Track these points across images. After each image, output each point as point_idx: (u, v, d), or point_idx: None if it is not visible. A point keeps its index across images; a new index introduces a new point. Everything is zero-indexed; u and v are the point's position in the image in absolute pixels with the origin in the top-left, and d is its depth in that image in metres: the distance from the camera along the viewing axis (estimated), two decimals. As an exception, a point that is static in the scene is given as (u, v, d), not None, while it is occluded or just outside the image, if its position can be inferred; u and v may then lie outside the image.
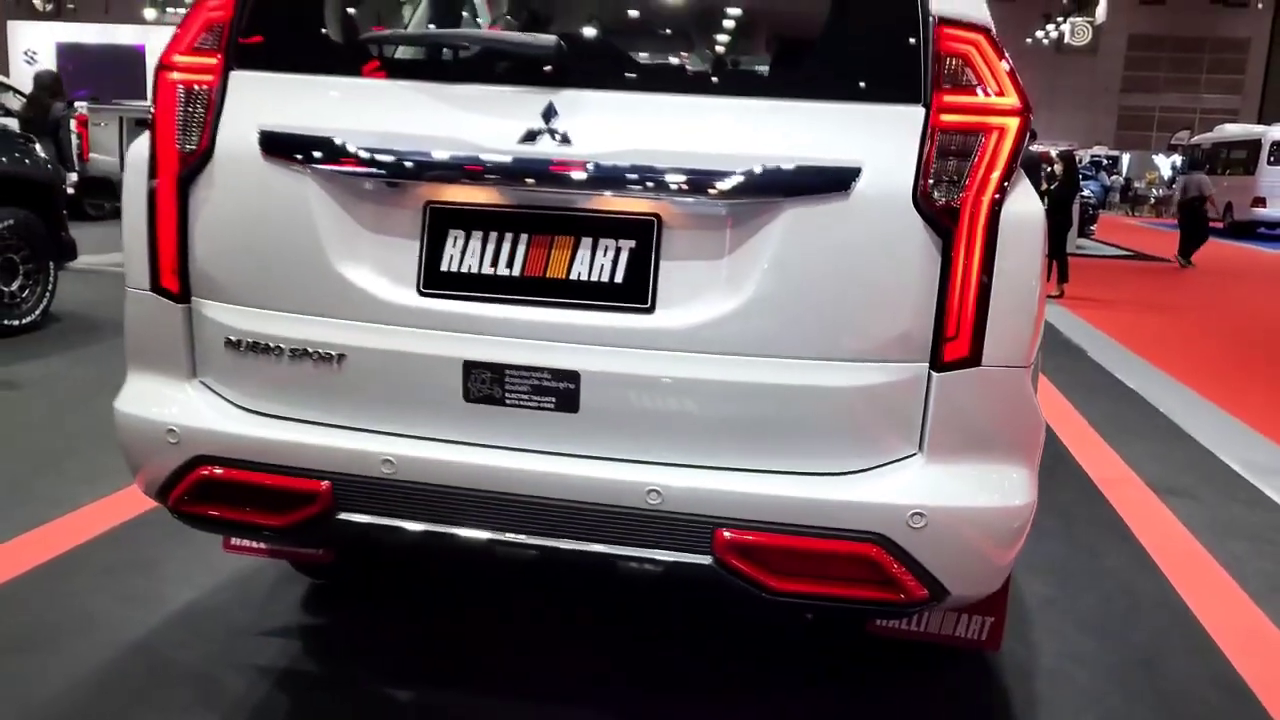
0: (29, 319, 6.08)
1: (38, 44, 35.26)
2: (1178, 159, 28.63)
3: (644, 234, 1.82)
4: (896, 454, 1.81)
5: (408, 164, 1.86)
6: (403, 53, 2.26)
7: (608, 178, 1.80)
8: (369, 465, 1.90)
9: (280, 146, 1.92)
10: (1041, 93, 34.38)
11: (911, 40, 1.79)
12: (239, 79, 1.98)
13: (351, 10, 2.20)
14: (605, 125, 1.82)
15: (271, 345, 1.96)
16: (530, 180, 1.83)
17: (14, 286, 6.01)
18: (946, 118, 1.76)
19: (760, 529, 1.79)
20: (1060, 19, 34.29)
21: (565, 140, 1.81)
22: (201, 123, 1.97)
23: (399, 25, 2.73)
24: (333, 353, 1.93)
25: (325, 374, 1.94)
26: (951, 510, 1.78)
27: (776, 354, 1.79)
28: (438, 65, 2.10)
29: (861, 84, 1.83)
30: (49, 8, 39.20)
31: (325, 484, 1.92)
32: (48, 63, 32.71)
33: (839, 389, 1.79)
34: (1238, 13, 32.74)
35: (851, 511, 1.78)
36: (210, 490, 2.00)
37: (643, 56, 2.12)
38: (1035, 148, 12.17)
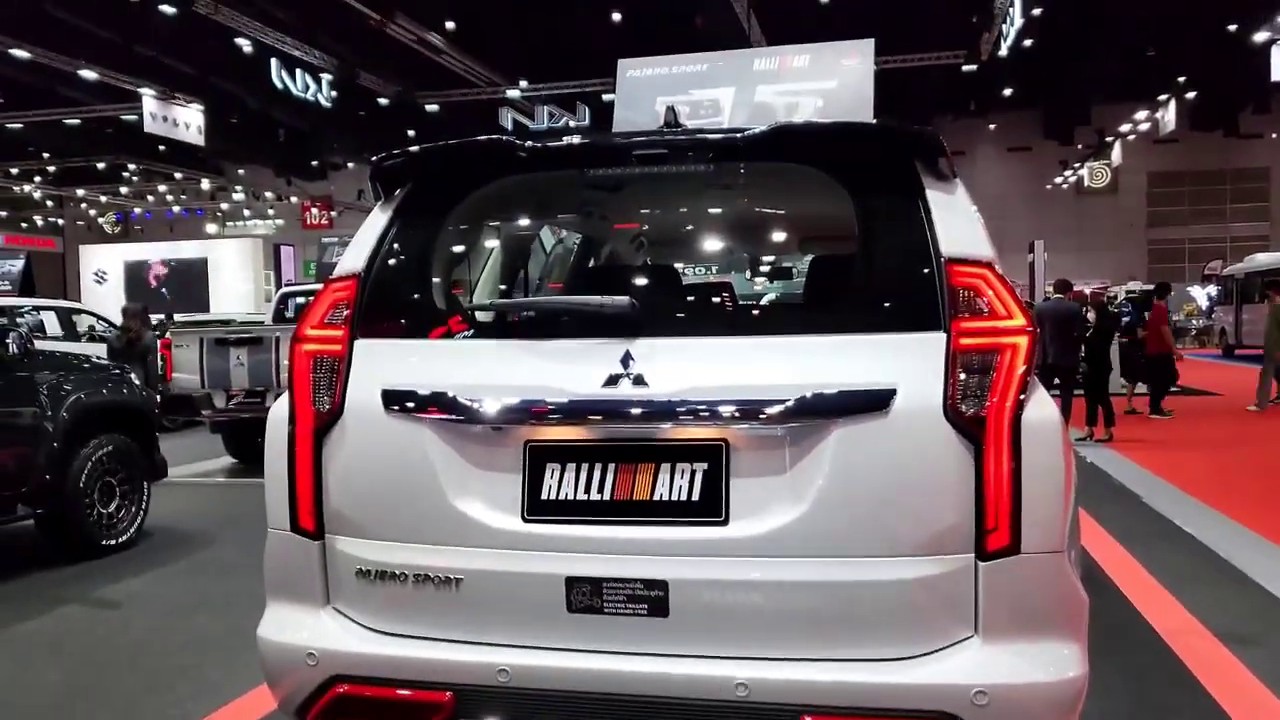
0: (124, 537, 6.45)
1: (107, 264, 37.36)
2: (1213, 289, 28.81)
3: (715, 457, 2.12)
4: (956, 637, 2.03)
5: (508, 411, 2.19)
6: (495, 316, 2.66)
7: (680, 411, 2.11)
8: (486, 675, 2.15)
9: (400, 402, 2.26)
10: (1069, 235, 35.06)
11: (928, 278, 2.12)
12: (362, 346, 2.35)
13: (449, 282, 2.60)
14: (674, 367, 2.14)
15: (397, 573, 2.25)
16: (613, 418, 2.15)
17: (111, 507, 6.41)
18: (965, 341, 2.06)
19: (840, 714, 2.01)
20: (1078, 164, 35.21)
21: (641, 382, 2.13)
22: (332, 385, 2.32)
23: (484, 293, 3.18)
24: (450, 576, 2.21)
25: (444, 595, 2.22)
26: (1011, 687, 1.99)
27: (838, 554, 2.05)
28: (528, 325, 2.47)
29: (889, 317, 2.15)
30: (117, 230, 41.67)
31: (448, 695, 2.17)
32: (115, 279, 34.62)
33: (898, 581, 2.03)
34: (1252, 144, 33.44)
35: (921, 693, 1.99)
36: (345, 706, 2.26)
37: (698, 299, 2.48)
38: (1075, 289, 12.44)
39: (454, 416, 2.24)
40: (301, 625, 2.36)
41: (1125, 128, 31.00)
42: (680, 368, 2.14)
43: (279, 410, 2.41)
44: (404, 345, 2.40)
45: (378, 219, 2.52)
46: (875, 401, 2.04)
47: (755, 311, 2.42)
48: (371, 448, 2.30)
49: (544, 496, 2.20)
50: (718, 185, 2.73)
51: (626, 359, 2.17)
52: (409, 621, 2.27)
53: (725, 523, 2.10)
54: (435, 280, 2.53)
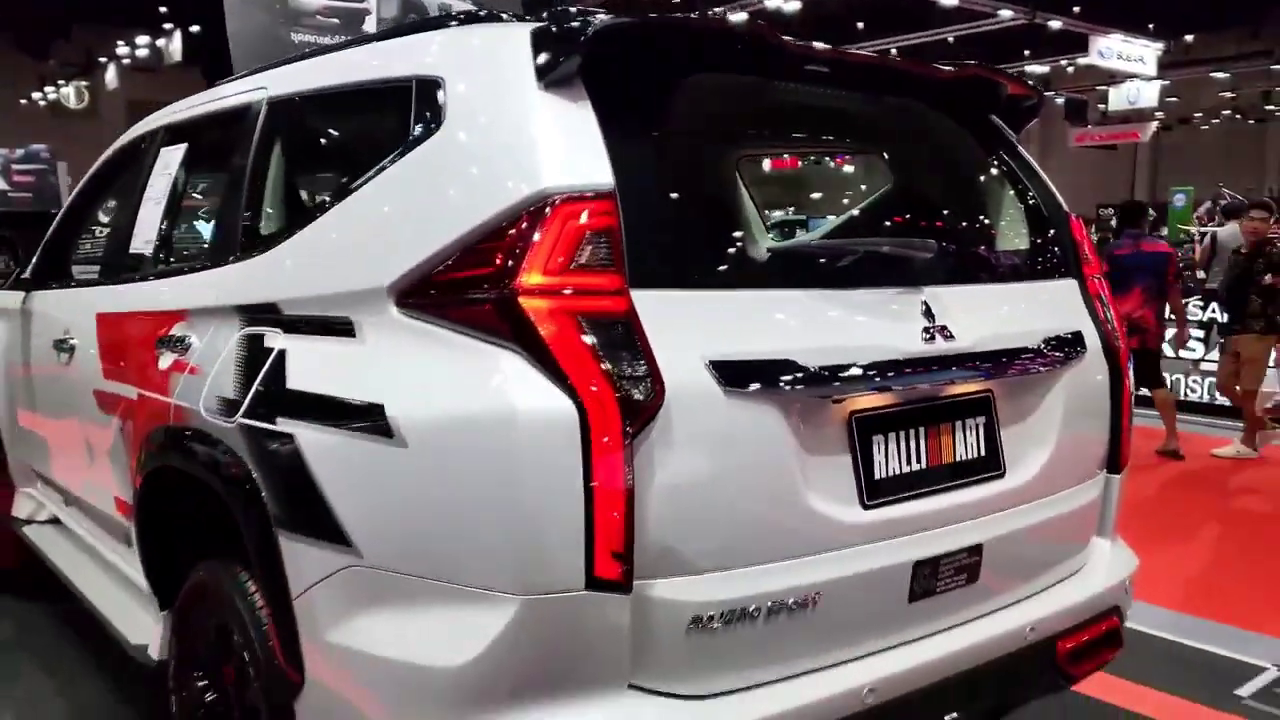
0: None
1: None
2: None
3: (987, 410, 2.08)
4: (1105, 543, 2.38)
5: (848, 378, 1.81)
6: (778, 258, 1.97)
7: (979, 365, 2.02)
8: (854, 703, 1.79)
9: (741, 377, 1.67)
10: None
11: (1064, 229, 2.37)
12: (642, 300, 1.63)
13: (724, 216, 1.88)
14: (961, 318, 2.02)
15: (750, 609, 1.69)
16: (931, 377, 1.95)
17: None
18: (1093, 284, 2.38)
19: (1073, 633, 2.21)
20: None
21: (948, 335, 1.96)
22: (637, 360, 1.58)
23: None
24: (809, 596, 1.75)
25: (797, 622, 1.76)
26: (1131, 574, 2.42)
27: (1065, 488, 2.22)
28: (825, 271, 1.94)
29: (1051, 265, 2.34)
30: None
31: None
32: None
33: (1087, 504, 2.30)
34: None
35: (1109, 595, 2.30)
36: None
37: (957, 245, 2.25)
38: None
39: (799, 391, 1.74)
40: (608, 723, 1.57)
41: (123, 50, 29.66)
42: (965, 318, 2.03)
43: (534, 412, 1.52)
44: (693, 298, 1.71)
45: (576, 108, 1.70)
46: (1082, 343, 2.24)
47: (983, 258, 2.29)
48: (708, 445, 1.64)
49: (878, 476, 1.87)
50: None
51: (928, 310, 1.96)
52: (753, 670, 1.72)
53: (1003, 474, 2.08)
54: (679, 204, 1.82)
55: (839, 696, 1.77)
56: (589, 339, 1.56)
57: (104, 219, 4.30)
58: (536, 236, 1.59)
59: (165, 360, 2.46)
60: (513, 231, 1.61)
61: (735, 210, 2.28)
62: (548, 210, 1.60)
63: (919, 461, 1.95)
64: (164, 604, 2.64)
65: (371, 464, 1.69)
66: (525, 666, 1.55)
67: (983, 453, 2.06)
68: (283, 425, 1.87)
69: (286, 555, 1.85)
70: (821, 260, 1.97)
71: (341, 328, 1.87)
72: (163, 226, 2.90)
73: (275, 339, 2.02)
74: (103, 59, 30.67)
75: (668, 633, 1.62)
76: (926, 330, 1.94)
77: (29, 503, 3.99)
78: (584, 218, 1.60)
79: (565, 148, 1.66)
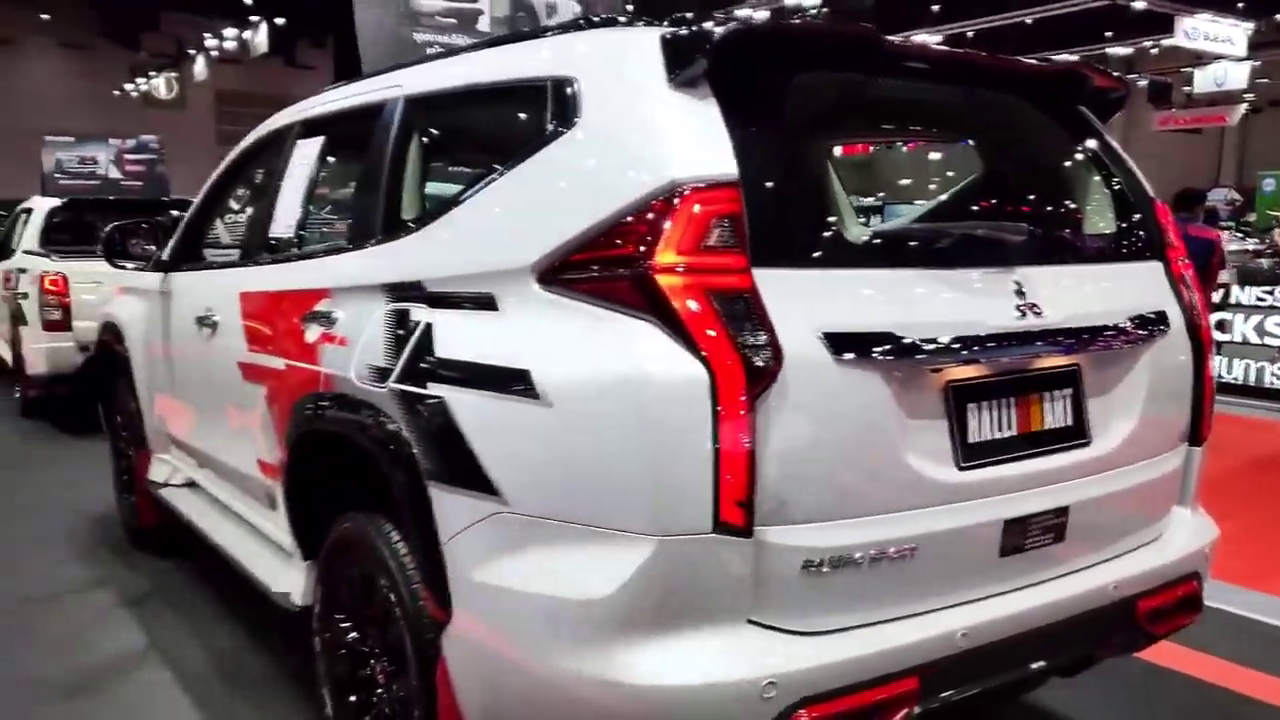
0: None
1: None
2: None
3: (1075, 381, 2.23)
4: (1185, 511, 2.52)
5: (945, 350, 1.99)
6: (880, 240, 2.17)
7: (1064, 340, 2.18)
8: (948, 644, 1.96)
9: (851, 347, 1.86)
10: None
11: (1149, 213, 2.51)
12: (763, 278, 1.83)
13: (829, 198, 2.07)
14: (1049, 295, 2.17)
15: (855, 556, 1.87)
16: (1022, 350, 2.11)
17: None
18: (1178, 267, 2.51)
19: (1152, 595, 2.36)
20: (150, 74, 33.68)
21: (1039, 312, 2.12)
22: (759, 330, 1.78)
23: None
24: (906, 546, 1.93)
25: (896, 570, 1.94)
26: (1210, 542, 2.55)
27: (1148, 457, 2.36)
28: (924, 252, 2.13)
29: (1138, 248, 2.48)
30: None
31: (914, 680, 1.92)
32: None
33: (1169, 473, 2.44)
34: (308, 75, 35.93)
35: (1188, 560, 2.44)
36: (809, 733, 1.82)
37: (1041, 226, 2.39)
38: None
39: (902, 360, 1.92)
40: (728, 652, 1.78)
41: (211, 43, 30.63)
42: (1054, 297, 2.18)
43: (669, 375, 1.73)
44: (807, 276, 1.91)
45: (702, 106, 1.90)
46: (1166, 322, 2.38)
47: (1071, 241, 2.46)
48: (820, 407, 1.84)
49: (971, 440, 2.04)
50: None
51: (1020, 289, 2.12)
52: (857, 611, 1.91)
53: (1089, 443, 2.24)
54: (791, 191, 2.02)
55: (934, 638, 1.95)
56: (717, 311, 1.76)
57: (235, 206, 4.62)
58: (669, 221, 1.80)
59: (312, 333, 2.72)
60: (647, 217, 1.81)
61: (836, 196, 2.47)
62: (678, 198, 1.80)
63: (1010, 428, 2.12)
64: (306, 555, 2.92)
65: (518, 423, 1.91)
66: (659, 598, 1.76)
67: (1070, 422, 2.22)
68: (433, 390, 2.11)
69: (436, 504, 2.09)
70: (921, 242, 2.15)
71: (484, 302, 2.10)
72: (302, 213, 3.17)
73: (420, 313, 2.26)
74: (191, 50, 31.66)
75: (782, 574, 1.82)
76: (1018, 307, 2.10)
77: (164, 467, 4.33)
78: (711, 204, 1.80)
79: (693, 142, 1.86)
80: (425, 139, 2.66)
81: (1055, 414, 2.20)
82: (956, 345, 2.00)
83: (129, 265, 4.35)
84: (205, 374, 3.62)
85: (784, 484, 1.80)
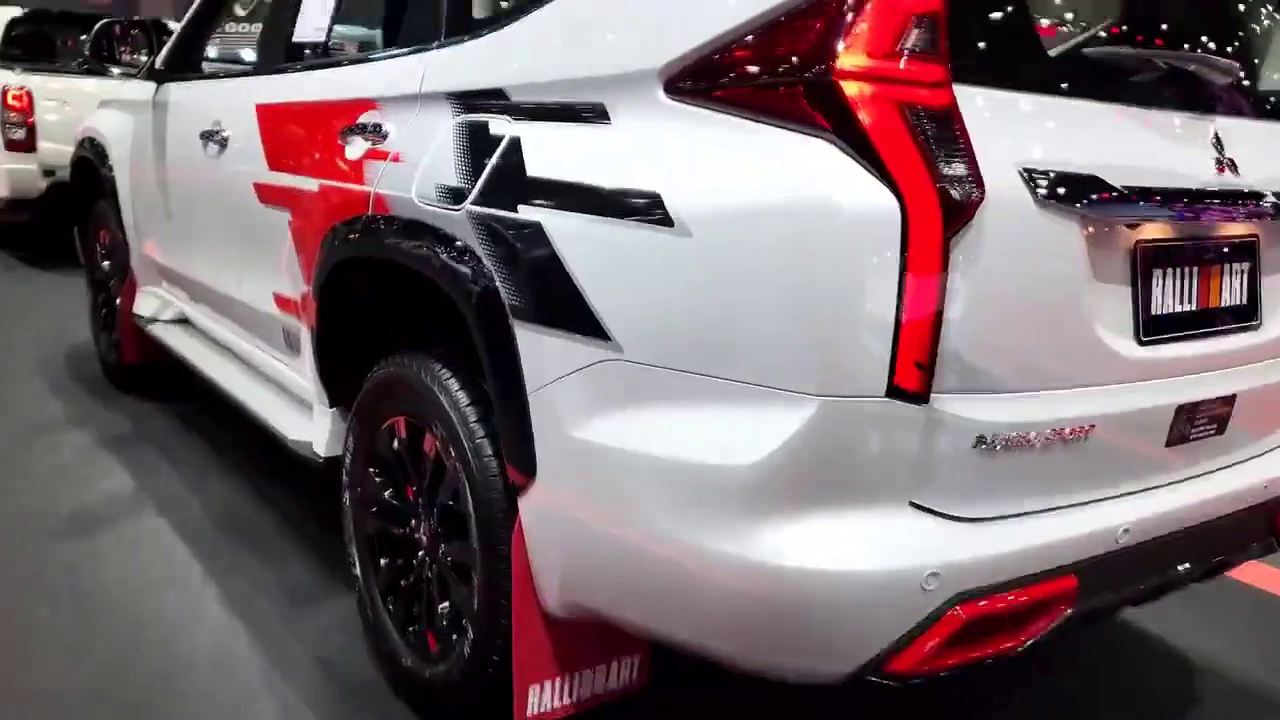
0: None
1: None
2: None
3: (1253, 255, 1.96)
4: None
5: (1145, 202, 1.70)
6: (1082, 63, 1.82)
7: (1260, 204, 1.89)
8: (1108, 540, 1.73)
9: (1056, 188, 1.56)
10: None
11: None
12: (963, 98, 1.51)
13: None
14: (1247, 152, 1.88)
15: (1031, 435, 1.61)
16: (1217, 212, 1.83)
17: None
18: None
19: None
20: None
21: (1235, 170, 1.83)
22: (958, 158, 1.47)
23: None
24: (1083, 426, 1.67)
25: (1068, 454, 1.69)
26: None
27: None
28: (1125, 85, 1.80)
29: None
30: None
31: (1072, 579, 1.69)
32: None
33: None
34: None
35: None
36: (965, 634, 1.58)
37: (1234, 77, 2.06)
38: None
39: (1105, 210, 1.63)
40: (888, 536, 1.53)
41: None
42: (1249, 153, 1.89)
43: (854, 205, 1.42)
44: (1005, 99, 1.59)
45: None
46: None
47: (1265, 91, 2.12)
48: (1013, 258, 1.54)
49: (1153, 312, 1.77)
50: None
51: (1218, 140, 1.83)
52: (1023, 498, 1.66)
53: (1260, 326, 1.98)
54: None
55: (1098, 533, 1.71)
56: (913, 131, 1.45)
57: (242, 11, 4.16)
58: (857, 15, 1.46)
59: (354, 149, 2.36)
60: (826, 10, 1.47)
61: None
62: None
63: (1189, 301, 1.84)
64: (334, 401, 2.62)
65: (644, 255, 1.60)
66: (814, 470, 1.49)
67: (1244, 300, 1.95)
68: (526, 213, 1.78)
69: (523, 348, 1.79)
70: (1124, 71, 1.82)
71: (590, 114, 1.76)
72: (333, 15, 2.77)
73: (502, 125, 1.92)
74: None
75: (952, 452, 1.55)
76: (1217, 161, 1.81)
77: (154, 300, 3.97)
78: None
79: None
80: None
81: (1232, 290, 1.93)
82: (1158, 198, 1.71)
83: (117, 72, 3.90)
84: (210, 197, 3.25)
85: (964, 345, 1.51)
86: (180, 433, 3.95)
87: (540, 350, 1.77)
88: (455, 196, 1.95)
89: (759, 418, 1.50)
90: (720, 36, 1.57)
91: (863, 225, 1.42)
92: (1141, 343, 1.75)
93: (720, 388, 1.54)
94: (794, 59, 1.50)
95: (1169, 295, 1.80)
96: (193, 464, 3.65)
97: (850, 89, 1.45)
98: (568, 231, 1.72)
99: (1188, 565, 1.93)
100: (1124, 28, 1.95)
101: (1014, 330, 1.57)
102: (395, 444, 2.29)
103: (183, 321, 3.88)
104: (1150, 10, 2.00)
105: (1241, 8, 2.10)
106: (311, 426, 2.73)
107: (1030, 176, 1.53)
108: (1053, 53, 1.75)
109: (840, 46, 1.46)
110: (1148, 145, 1.75)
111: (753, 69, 1.55)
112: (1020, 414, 1.59)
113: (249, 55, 3.94)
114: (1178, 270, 1.81)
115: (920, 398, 1.48)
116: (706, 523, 1.56)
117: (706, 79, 1.60)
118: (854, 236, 1.43)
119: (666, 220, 1.57)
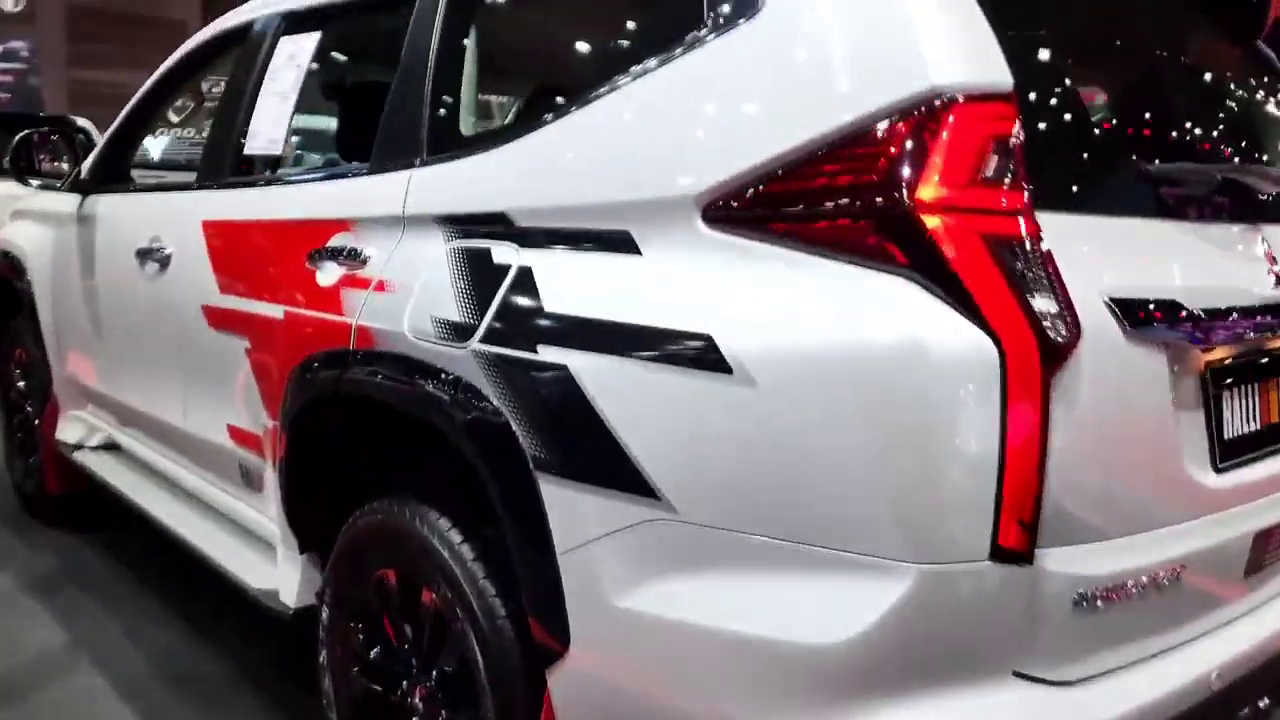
0: None
1: None
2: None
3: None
4: None
5: (1228, 322, 1.60)
6: (1148, 181, 1.70)
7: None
8: (1200, 691, 1.59)
9: (1140, 317, 1.45)
10: None
11: None
12: (1047, 224, 1.40)
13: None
14: None
15: (1129, 584, 1.48)
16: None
17: None
18: None
19: None
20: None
21: None
22: (1053, 292, 1.35)
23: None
24: (1170, 567, 1.54)
25: (1157, 598, 1.55)
26: None
27: None
28: (1181, 200, 1.70)
29: None
30: None
31: None
32: None
33: None
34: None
35: None
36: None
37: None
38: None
39: (1186, 334, 1.52)
40: (994, 714, 1.37)
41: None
42: None
43: (946, 349, 1.28)
44: (1081, 224, 1.48)
45: None
46: None
47: None
48: (1107, 393, 1.42)
49: (1227, 436, 1.66)
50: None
51: (1270, 250, 1.75)
52: (1115, 652, 1.51)
53: None
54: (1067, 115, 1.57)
55: (1188, 685, 1.57)
56: (1002, 264, 1.32)
57: (174, 118, 3.92)
58: (932, 142, 1.34)
59: (327, 275, 2.16)
60: (897, 134, 1.35)
61: (1109, 125, 1.99)
62: (946, 110, 1.34)
63: (1258, 420, 1.74)
64: (304, 546, 2.38)
65: (698, 404, 1.44)
66: (910, 647, 1.33)
67: None
68: (548, 354, 1.61)
69: (551, 504, 1.60)
70: (1184, 186, 1.73)
71: (613, 243, 1.61)
72: (289, 126, 2.58)
73: (507, 253, 1.75)
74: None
75: (1054, 611, 1.40)
76: (1273, 273, 1.73)
77: (78, 425, 3.66)
78: (987, 122, 1.35)
79: (956, 39, 1.40)
80: (490, 31, 2.12)
81: None
82: (1233, 317, 1.61)
83: (35, 184, 3.63)
84: (149, 319, 2.99)
85: (1063, 495, 1.37)
86: (115, 570, 3.61)
87: (572, 508, 1.58)
88: (458, 332, 1.77)
89: (846, 589, 1.33)
90: (772, 161, 1.44)
91: (959, 370, 1.28)
92: (1218, 469, 1.64)
93: (796, 553, 1.37)
94: (861, 188, 1.37)
95: (1239, 416, 1.70)
96: (131, 607, 3.32)
97: (930, 221, 1.32)
98: (600, 376, 1.54)
99: (1268, 700, 1.81)
100: (1170, 135, 1.87)
101: (1110, 472, 1.44)
102: (385, 599, 2.07)
103: (112, 447, 3.58)
104: (1195, 121, 1.93)
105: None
106: (277, 573, 2.48)
107: (1116, 305, 1.42)
108: (1117, 172, 1.66)
109: (915, 175, 1.34)
110: (1210, 261, 1.66)
111: (812, 198, 1.41)
112: (1119, 563, 1.45)
113: (182, 163, 3.72)
114: (1246, 389, 1.71)
115: (1025, 558, 1.34)
116: (788, 707, 1.38)
117: (756, 208, 1.46)
118: (950, 383, 1.28)
119: (722, 365, 1.41)
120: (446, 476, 1.91)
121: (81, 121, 6.53)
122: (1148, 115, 1.86)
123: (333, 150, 2.75)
